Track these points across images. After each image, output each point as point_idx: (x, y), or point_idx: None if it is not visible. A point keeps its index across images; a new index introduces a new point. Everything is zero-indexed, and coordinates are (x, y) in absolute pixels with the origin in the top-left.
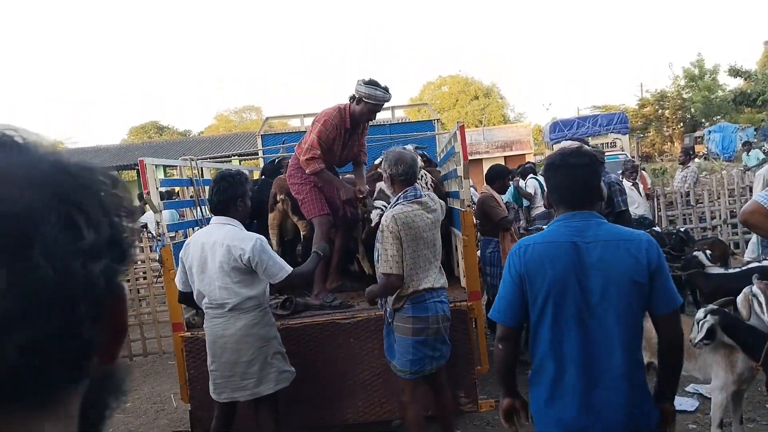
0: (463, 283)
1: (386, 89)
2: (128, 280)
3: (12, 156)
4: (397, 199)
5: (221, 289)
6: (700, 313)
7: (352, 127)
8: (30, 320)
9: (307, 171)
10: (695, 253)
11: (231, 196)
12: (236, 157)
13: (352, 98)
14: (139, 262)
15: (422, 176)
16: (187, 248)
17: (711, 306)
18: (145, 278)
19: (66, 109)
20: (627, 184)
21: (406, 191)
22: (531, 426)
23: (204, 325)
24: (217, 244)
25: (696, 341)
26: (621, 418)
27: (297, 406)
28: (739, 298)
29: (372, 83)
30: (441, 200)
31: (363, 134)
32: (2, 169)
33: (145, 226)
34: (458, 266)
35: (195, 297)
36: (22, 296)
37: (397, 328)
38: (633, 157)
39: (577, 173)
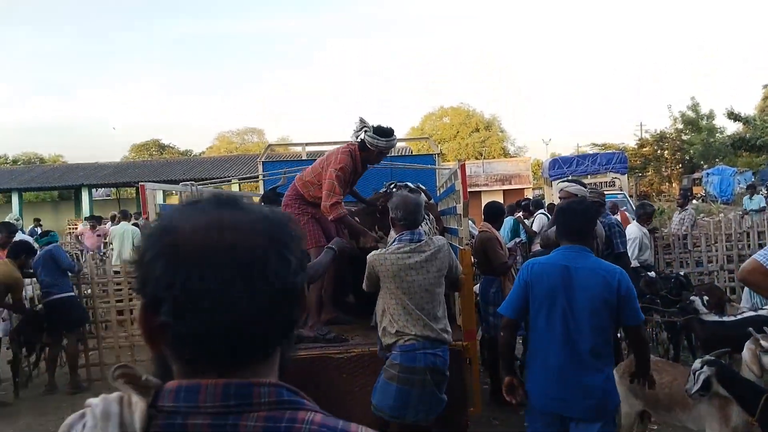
0: (459, 321)
1: (392, 133)
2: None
3: (239, 213)
4: (393, 241)
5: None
6: (697, 364)
7: (361, 170)
8: (267, 312)
9: (331, 217)
10: (692, 298)
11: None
12: (236, 180)
13: (362, 145)
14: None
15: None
16: None
17: (708, 357)
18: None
19: (64, 125)
20: (641, 230)
21: (402, 234)
22: (525, 398)
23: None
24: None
25: (692, 392)
26: (589, 392)
27: None
28: (746, 355)
29: (381, 133)
30: (445, 245)
31: (361, 175)
32: (239, 223)
33: None
34: (455, 304)
35: None
36: (266, 299)
37: (385, 371)
38: (631, 196)
39: (577, 218)
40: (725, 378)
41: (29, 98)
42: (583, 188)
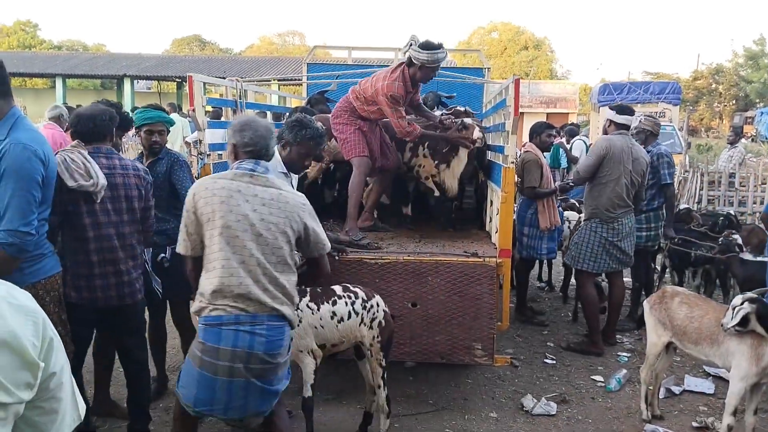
0: (494, 239)
1: (438, 46)
2: None
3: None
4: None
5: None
6: (738, 300)
7: (412, 89)
8: None
9: (410, 137)
10: (733, 236)
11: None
12: (277, 81)
13: (410, 63)
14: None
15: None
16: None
17: (750, 294)
18: None
19: (103, 11)
20: None
21: (242, 161)
22: None
23: None
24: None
25: (728, 326)
26: None
27: None
28: None
29: (427, 47)
30: (306, 203)
31: (418, 90)
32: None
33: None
34: (491, 221)
35: None
36: None
37: (189, 350)
38: (681, 129)
39: None
40: (765, 317)
41: None
42: (630, 117)
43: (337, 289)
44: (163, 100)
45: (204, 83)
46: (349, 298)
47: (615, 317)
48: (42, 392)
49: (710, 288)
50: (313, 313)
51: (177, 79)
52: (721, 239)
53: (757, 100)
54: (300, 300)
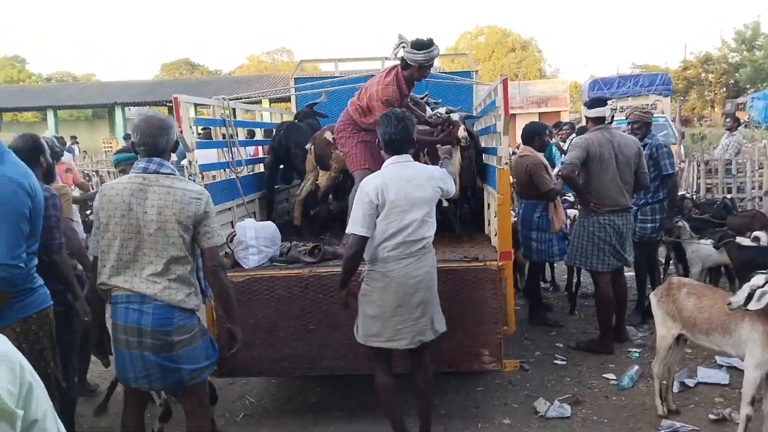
0: (494, 242)
1: (430, 44)
2: None
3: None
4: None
5: (422, 224)
6: (760, 279)
7: (407, 91)
8: None
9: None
10: (678, 223)
11: (410, 137)
12: (267, 98)
13: (405, 65)
14: None
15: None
16: (383, 189)
17: None
18: None
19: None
20: None
21: (138, 162)
22: None
23: (381, 270)
24: (421, 179)
25: (737, 305)
26: None
27: (324, 351)
28: None
29: (421, 47)
30: (203, 195)
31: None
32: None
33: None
34: (489, 224)
35: (378, 239)
36: None
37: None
38: (673, 119)
39: None
40: None
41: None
42: (602, 108)
43: None
44: None
45: (193, 104)
46: None
47: (622, 313)
48: None
49: (716, 277)
50: None
51: (167, 104)
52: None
53: (748, 86)
54: None
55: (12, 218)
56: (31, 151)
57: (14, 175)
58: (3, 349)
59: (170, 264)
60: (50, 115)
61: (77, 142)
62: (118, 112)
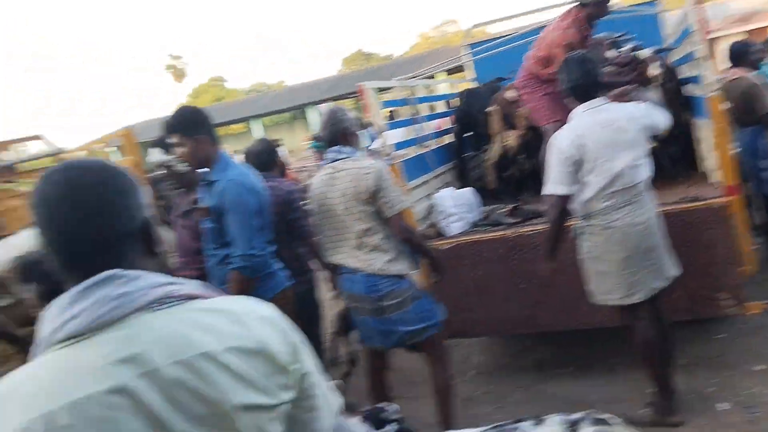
0: (715, 177)
1: None
2: None
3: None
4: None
5: (633, 168)
6: None
7: (588, 32)
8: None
9: None
10: None
11: (596, 80)
12: (442, 71)
13: (583, 4)
14: None
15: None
16: (580, 142)
17: None
18: None
19: (269, 52)
20: None
21: (327, 153)
22: None
23: (600, 223)
24: (621, 121)
25: None
26: None
27: (533, 310)
28: None
29: None
30: (372, 169)
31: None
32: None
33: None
34: (703, 161)
35: (589, 193)
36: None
37: None
38: None
39: None
40: None
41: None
42: None
43: None
44: None
45: (375, 89)
46: None
47: None
48: (300, 392)
49: None
50: None
51: (351, 96)
52: None
53: None
54: None
55: (245, 217)
56: (267, 152)
57: (242, 178)
58: (269, 314)
59: (362, 237)
60: (255, 123)
61: (282, 144)
62: (310, 112)
